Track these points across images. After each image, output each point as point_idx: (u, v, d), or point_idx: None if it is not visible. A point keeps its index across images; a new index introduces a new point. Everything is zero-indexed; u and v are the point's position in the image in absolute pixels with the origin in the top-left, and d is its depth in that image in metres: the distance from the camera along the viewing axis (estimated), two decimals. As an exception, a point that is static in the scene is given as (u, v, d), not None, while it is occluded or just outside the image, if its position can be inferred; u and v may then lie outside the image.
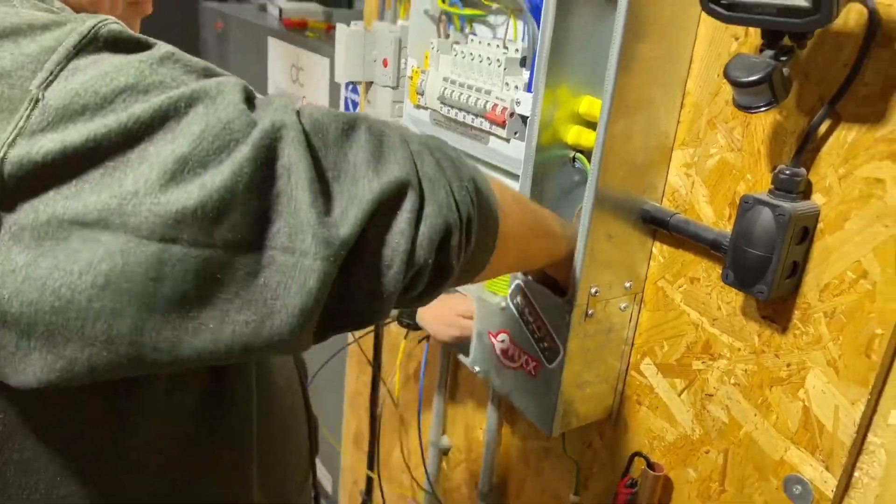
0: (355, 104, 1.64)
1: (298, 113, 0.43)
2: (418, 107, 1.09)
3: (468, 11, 0.99)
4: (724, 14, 0.61)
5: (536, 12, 0.87)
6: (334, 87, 1.73)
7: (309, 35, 1.92)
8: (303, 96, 1.90)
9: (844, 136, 0.64)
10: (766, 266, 0.66)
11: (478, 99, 0.94)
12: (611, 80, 0.73)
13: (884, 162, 0.61)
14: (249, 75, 2.24)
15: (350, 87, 1.62)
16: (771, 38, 0.60)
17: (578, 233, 0.78)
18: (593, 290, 0.81)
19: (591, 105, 0.83)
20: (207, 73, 0.42)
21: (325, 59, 1.76)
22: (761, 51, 0.61)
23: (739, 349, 0.76)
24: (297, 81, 1.91)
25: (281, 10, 2.20)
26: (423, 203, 0.45)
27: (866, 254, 0.64)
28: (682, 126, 0.79)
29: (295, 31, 1.97)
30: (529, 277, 0.87)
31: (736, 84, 0.61)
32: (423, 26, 1.07)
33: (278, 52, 1.99)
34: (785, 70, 0.60)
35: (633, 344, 0.88)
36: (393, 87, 1.19)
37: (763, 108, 0.62)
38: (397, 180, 0.44)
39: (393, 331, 1.41)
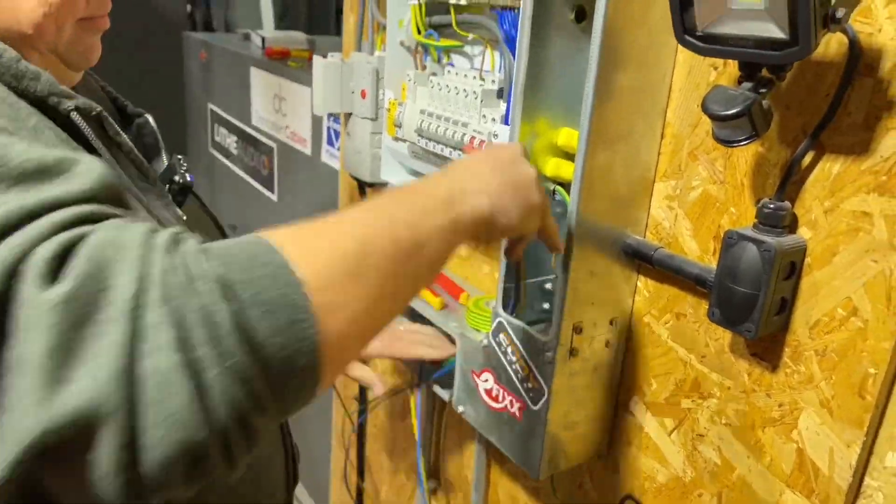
0: (337, 133, 1.62)
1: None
2: (396, 139, 1.06)
3: (444, 43, 0.97)
4: (700, 46, 0.59)
5: (512, 44, 0.85)
6: (316, 118, 1.71)
7: (291, 65, 1.90)
8: (286, 125, 1.88)
9: (829, 168, 0.62)
10: (754, 304, 0.64)
11: (455, 131, 0.92)
12: (587, 110, 0.71)
13: (870, 195, 0.59)
14: (233, 105, 2.22)
15: (332, 116, 1.60)
16: (749, 71, 0.58)
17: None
18: (577, 328, 0.78)
19: (570, 137, 0.81)
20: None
21: (307, 89, 1.74)
22: (739, 82, 0.59)
23: (729, 388, 0.73)
24: (280, 111, 1.89)
25: (264, 40, 2.19)
26: (135, 433, 0.30)
27: (856, 290, 0.61)
28: (664, 158, 0.77)
29: (277, 60, 1.95)
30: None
31: (714, 118, 0.59)
32: (399, 57, 1.05)
33: (260, 82, 1.98)
34: (764, 102, 0.58)
35: (620, 381, 0.85)
36: (372, 119, 1.17)
37: (744, 142, 0.59)
38: (75, 412, 0.29)
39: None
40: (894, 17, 0.56)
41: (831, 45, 0.60)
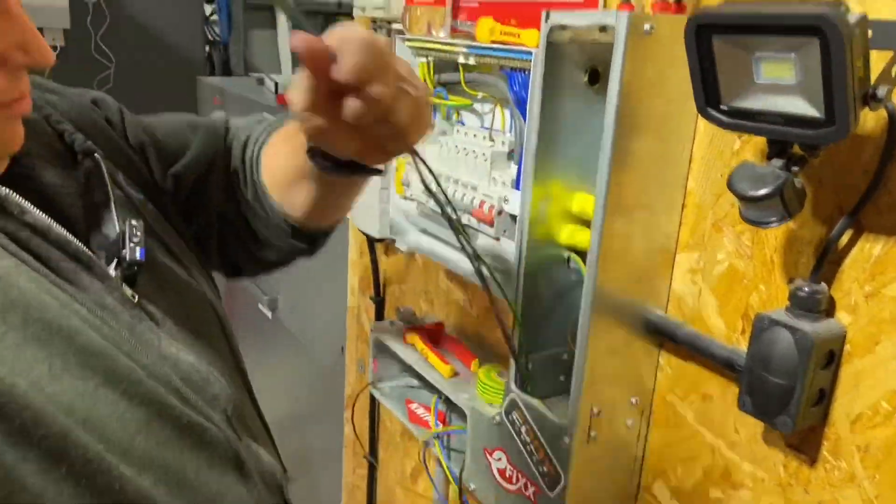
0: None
1: None
2: (405, 198, 1.03)
3: (454, 101, 0.94)
4: (724, 121, 0.54)
5: (522, 105, 0.81)
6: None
7: (303, 111, 1.88)
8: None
9: (869, 250, 0.57)
10: (790, 396, 0.58)
11: (464, 194, 0.88)
12: (603, 177, 0.67)
13: (917, 281, 0.54)
14: (246, 150, 2.21)
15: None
16: (779, 147, 0.53)
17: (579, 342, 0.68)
18: (595, 411, 0.72)
19: (585, 202, 0.76)
20: None
21: (318, 137, 1.71)
22: (769, 158, 0.55)
23: (763, 480, 0.67)
24: (292, 158, 1.87)
25: (277, 85, 2.18)
26: None
27: (903, 384, 0.55)
28: (685, 228, 0.72)
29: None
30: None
31: (743, 198, 0.54)
32: (407, 114, 1.01)
33: (272, 129, 1.96)
34: (797, 181, 0.53)
35: (643, 464, 0.79)
36: (381, 175, 1.13)
37: (774, 224, 0.54)
38: None
39: (388, 427, 1.33)
40: (939, 90, 0.51)
41: (869, 116, 0.55)
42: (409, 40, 0.96)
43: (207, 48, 3.94)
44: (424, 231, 1.03)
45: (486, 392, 0.90)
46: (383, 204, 1.14)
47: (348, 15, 4.89)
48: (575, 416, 0.71)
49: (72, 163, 0.52)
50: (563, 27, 0.69)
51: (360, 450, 1.44)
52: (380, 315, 1.29)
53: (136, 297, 0.48)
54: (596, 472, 0.76)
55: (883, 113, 0.53)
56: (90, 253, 0.47)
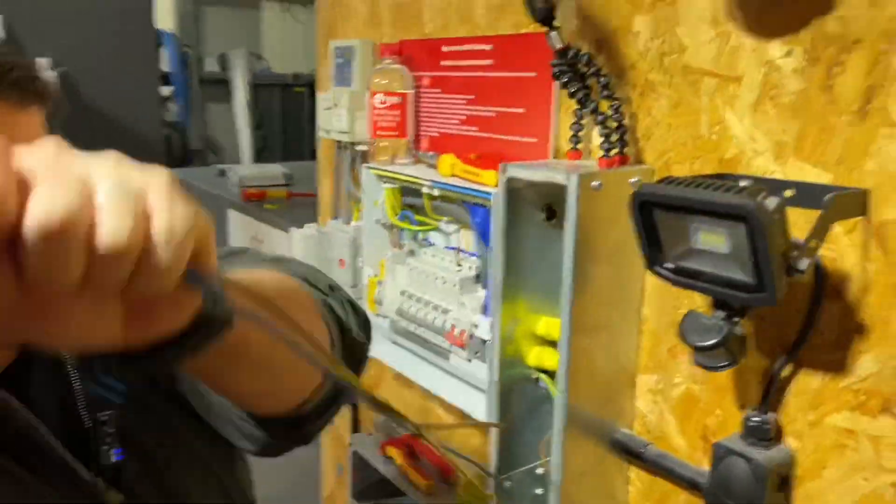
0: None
1: None
2: (378, 315, 1.07)
3: (421, 227, 0.99)
4: (671, 278, 0.60)
5: (485, 235, 0.87)
6: (296, 262, 1.72)
7: (268, 207, 1.93)
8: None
9: (808, 383, 0.62)
10: (749, 520, 0.63)
11: (436, 317, 0.93)
12: (567, 299, 0.72)
13: (852, 413, 0.60)
14: (212, 243, 2.23)
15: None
16: (721, 302, 0.59)
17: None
18: (573, 530, 0.76)
19: (549, 325, 0.81)
20: None
21: (284, 234, 1.76)
22: (714, 308, 0.60)
23: (733, 592, 0.71)
24: (259, 254, 1.91)
25: (241, 179, 2.23)
26: None
27: (850, 506, 0.61)
28: (643, 352, 0.77)
29: (254, 202, 1.98)
30: None
31: (693, 348, 0.60)
32: (376, 234, 1.06)
33: (238, 225, 2.00)
34: (738, 329, 0.59)
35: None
36: (352, 286, 1.17)
37: (723, 368, 0.60)
38: None
39: None
40: (856, 246, 0.58)
41: (797, 265, 0.61)
42: (374, 169, 1.01)
43: (168, 131, 3.98)
44: (398, 345, 1.07)
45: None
46: (355, 314, 1.18)
47: (302, 87, 4.93)
48: (554, 539, 0.75)
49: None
50: (517, 179, 0.75)
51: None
52: (355, 421, 1.32)
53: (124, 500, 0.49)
54: (577, 587, 0.79)
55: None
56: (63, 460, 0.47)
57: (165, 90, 4.32)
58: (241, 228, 1.96)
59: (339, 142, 1.19)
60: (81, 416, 0.50)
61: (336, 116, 1.13)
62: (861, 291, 0.58)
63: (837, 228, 0.59)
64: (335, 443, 1.44)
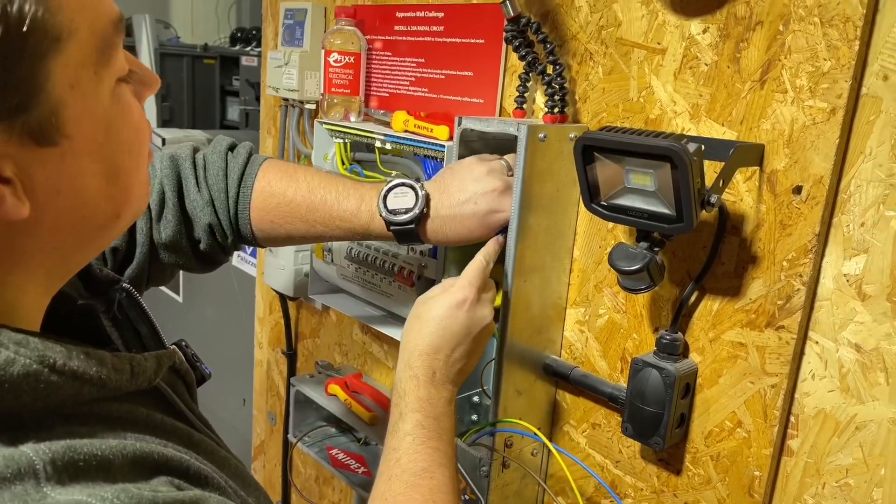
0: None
1: None
2: (325, 262, 1.14)
3: (369, 178, 1.07)
4: (604, 213, 0.71)
5: (435, 186, 0.96)
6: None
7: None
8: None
9: (710, 306, 0.75)
10: (660, 420, 0.75)
11: (385, 261, 1.01)
12: (511, 246, 0.81)
13: (744, 329, 0.73)
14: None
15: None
16: (644, 234, 0.71)
17: None
18: (508, 443, 0.87)
19: (495, 269, 0.91)
20: None
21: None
22: (638, 241, 0.72)
23: (642, 489, 0.84)
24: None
25: (164, 141, 2.21)
26: None
27: (739, 406, 0.74)
28: (573, 288, 0.89)
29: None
30: None
31: (620, 272, 0.71)
32: (324, 187, 1.13)
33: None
34: (658, 258, 0.71)
35: (546, 484, 0.95)
36: (295, 238, 1.23)
37: (643, 291, 0.72)
38: None
39: (302, 472, 1.40)
40: (752, 191, 0.71)
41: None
42: (327, 124, 1.08)
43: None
44: (340, 291, 1.15)
45: (407, 433, 1.02)
46: (298, 266, 1.25)
47: (212, 58, 4.80)
48: (491, 448, 0.85)
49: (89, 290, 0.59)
50: (471, 129, 0.84)
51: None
52: (292, 369, 1.38)
53: None
54: (509, 494, 0.90)
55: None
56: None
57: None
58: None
59: (286, 99, 1.24)
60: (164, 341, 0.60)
61: (286, 75, 1.18)
62: (755, 228, 0.71)
63: (737, 176, 0.72)
64: (267, 393, 1.50)
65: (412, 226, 0.78)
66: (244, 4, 5.40)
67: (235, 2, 5.59)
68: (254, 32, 4.94)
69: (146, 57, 4.94)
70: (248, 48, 4.86)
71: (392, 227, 0.79)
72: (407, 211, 0.78)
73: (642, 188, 0.68)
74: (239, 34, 5.10)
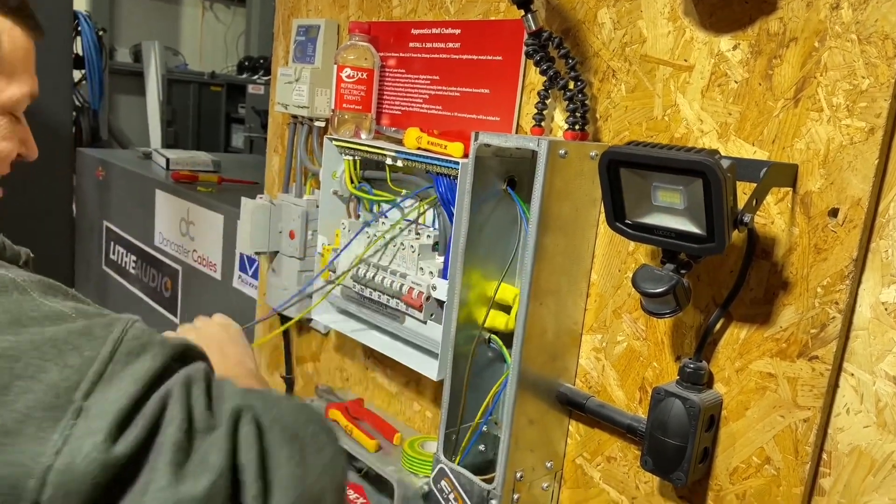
0: (251, 260, 1.63)
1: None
2: (330, 282, 1.10)
3: (378, 196, 1.04)
4: (629, 233, 0.68)
5: (446, 204, 0.93)
6: (228, 243, 1.72)
7: (200, 189, 1.91)
8: (193, 249, 1.86)
9: (737, 334, 0.72)
10: (683, 454, 0.71)
11: (393, 281, 0.97)
12: (528, 268, 0.78)
13: (774, 359, 0.69)
14: (133, 225, 2.17)
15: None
16: (671, 255, 0.68)
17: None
18: (518, 475, 0.82)
19: (505, 290, 0.88)
20: (185, 359, 0.45)
21: (219, 216, 1.75)
22: (663, 263, 0.69)
23: (660, 528, 0.79)
24: (187, 235, 1.88)
25: (168, 161, 2.19)
26: None
27: (768, 441, 0.70)
28: (590, 313, 0.85)
29: (185, 184, 1.96)
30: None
31: (644, 294, 0.67)
32: (333, 205, 1.10)
33: (167, 206, 1.96)
34: (685, 281, 0.67)
35: (556, 522, 0.90)
36: (300, 258, 1.20)
37: (668, 315, 0.68)
38: None
39: None
40: (784, 213, 0.68)
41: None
42: (337, 141, 1.05)
43: (75, 114, 3.81)
44: (346, 313, 1.11)
45: (410, 463, 0.97)
46: (299, 285, 1.21)
47: (219, 86, 4.86)
48: (502, 481, 0.81)
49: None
50: (487, 145, 0.81)
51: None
52: (290, 393, 1.33)
53: None
54: (518, 531, 0.85)
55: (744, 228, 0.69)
56: None
57: (77, 74, 4.14)
58: (170, 209, 1.93)
59: (295, 116, 1.22)
60: None
61: (297, 91, 1.16)
62: (786, 252, 0.68)
63: (768, 198, 0.68)
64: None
65: None
66: (252, 34, 5.46)
67: (244, 31, 5.65)
68: (261, 61, 4.99)
69: (154, 83, 4.98)
70: (256, 76, 4.89)
71: None
72: None
73: (670, 206, 0.65)
74: (246, 63, 5.15)
